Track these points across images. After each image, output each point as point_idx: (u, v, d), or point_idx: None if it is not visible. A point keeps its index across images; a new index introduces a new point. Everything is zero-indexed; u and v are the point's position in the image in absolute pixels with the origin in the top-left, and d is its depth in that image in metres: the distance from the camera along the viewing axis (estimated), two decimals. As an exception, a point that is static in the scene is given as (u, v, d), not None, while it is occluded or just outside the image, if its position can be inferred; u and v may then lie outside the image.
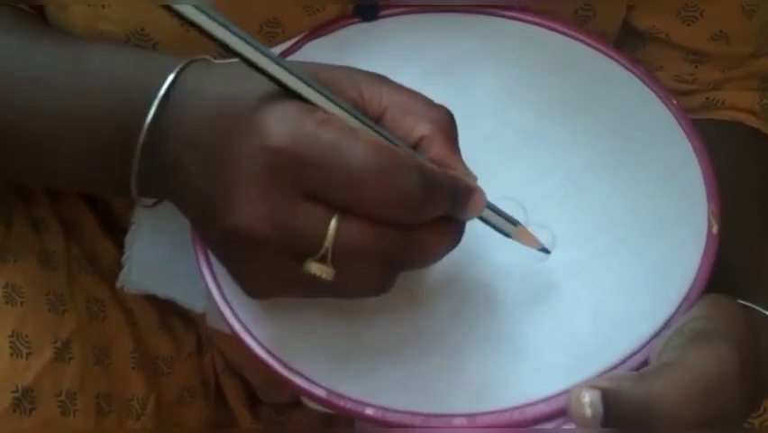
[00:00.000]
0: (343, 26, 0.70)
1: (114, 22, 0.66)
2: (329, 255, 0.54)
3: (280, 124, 0.53)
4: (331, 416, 0.81)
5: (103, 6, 0.66)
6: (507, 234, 0.60)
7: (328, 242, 0.53)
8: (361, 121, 0.55)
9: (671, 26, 0.77)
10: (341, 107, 0.55)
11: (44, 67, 0.64)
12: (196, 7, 0.53)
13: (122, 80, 0.61)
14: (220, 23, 0.53)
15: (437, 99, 0.66)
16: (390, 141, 0.56)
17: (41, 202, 0.76)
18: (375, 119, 0.57)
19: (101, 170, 0.63)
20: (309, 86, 0.55)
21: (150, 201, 0.62)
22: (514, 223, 0.60)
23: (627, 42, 0.79)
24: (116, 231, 0.79)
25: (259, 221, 0.53)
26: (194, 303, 0.72)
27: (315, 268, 0.54)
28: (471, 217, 0.57)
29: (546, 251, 0.62)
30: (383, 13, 0.71)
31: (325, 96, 0.55)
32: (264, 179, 0.53)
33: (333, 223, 0.53)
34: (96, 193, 0.78)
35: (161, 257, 0.71)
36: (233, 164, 0.54)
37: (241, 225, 0.54)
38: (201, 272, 0.63)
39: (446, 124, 0.57)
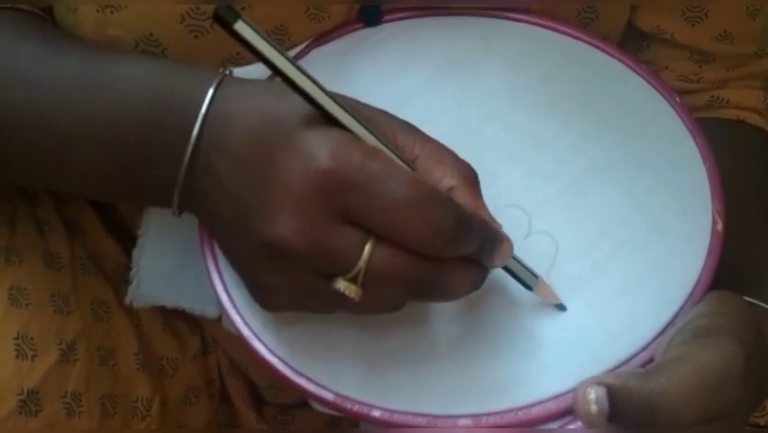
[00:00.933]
0: (348, 32, 0.71)
1: (123, 27, 0.66)
2: (360, 276, 0.55)
3: (329, 148, 0.55)
4: (335, 416, 0.81)
5: (111, 12, 0.66)
6: (528, 287, 0.62)
7: (362, 263, 0.55)
8: (399, 157, 0.57)
9: (675, 26, 0.77)
10: (381, 141, 0.57)
11: (71, 74, 0.63)
12: (248, 24, 0.53)
13: (154, 92, 0.61)
14: (273, 47, 0.54)
15: (441, 102, 0.66)
16: None
17: (45, 203, 0.76)
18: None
19: (119, 178, 0.63)
20: (354, 118, 0.56)
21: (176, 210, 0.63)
22: (535, 276, 0.62)
23: (632, 43, 0.79)
24: (120, 233, 0.79)
25: (297, 235, 0.55)
26: (206, 309, 0.72)
27: (343, 286, 0.56)
28: (497, 265, 0.59)
29: (563, 307, 0.62)
30: (386, 17, 0.71)
31: (368, 130, 0.56)
32: (308, 198, 0.55)
33: (368, 246, 0.55)
34: (107, 201, 0.78)
35: (170, 267, 0.72)
36: (276, 179, 0.55)
37: (279, 237, 0.55)
38: (210, 279, 0.63)
39: (472, 178, 0.59)
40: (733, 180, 0.68)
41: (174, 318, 0.79)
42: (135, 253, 0.72)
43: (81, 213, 0.79)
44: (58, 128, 0.63)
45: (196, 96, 0.59)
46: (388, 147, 0.57)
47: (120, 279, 0.76)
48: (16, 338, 0.66)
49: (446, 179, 0.59)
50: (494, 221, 0.59)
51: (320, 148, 0.55)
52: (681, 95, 0.75)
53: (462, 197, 0.58)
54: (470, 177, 0.59)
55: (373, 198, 0.54)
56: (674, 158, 0.68)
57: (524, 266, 0.61)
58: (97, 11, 0.66)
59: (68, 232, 0.76)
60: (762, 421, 0.70)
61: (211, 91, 0.59)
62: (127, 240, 0.76)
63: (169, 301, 0.73)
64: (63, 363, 0.68)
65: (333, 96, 0.56)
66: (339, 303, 0.57)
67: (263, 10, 0.65)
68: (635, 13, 0.78)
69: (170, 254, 0.71)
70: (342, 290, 0.55)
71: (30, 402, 0.66)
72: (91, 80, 0.63)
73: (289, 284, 0.57)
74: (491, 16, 0.72)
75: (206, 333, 0.82)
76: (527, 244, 0.64)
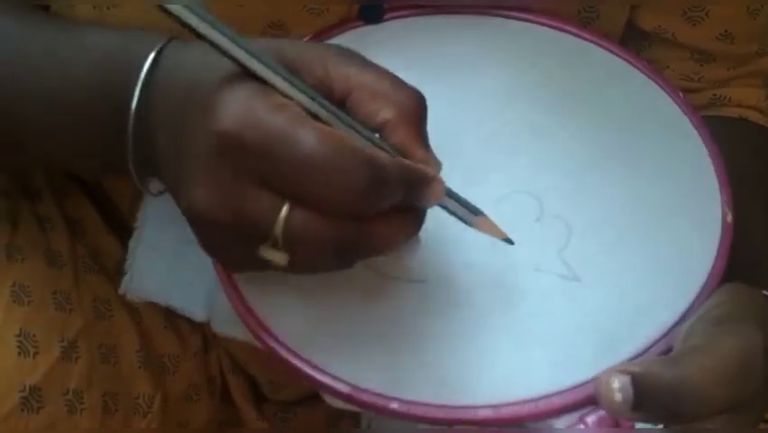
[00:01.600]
0: (348, 29, 0.71)
1: (119, 24, 0.66)
2: (280, 241, 0.53)
3: (231, 108, 0.52)
4: (336, 414, 0.81)
5: (108, 8, 0.66)
6: (468, 224, 0.59)
7: (278, 229, 0.52)
8: (320, 105, 0.54)
9: (676, 26, 0.77)
10: (300, 91, 0.54)
11: (47, 47, 0.63)
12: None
13: (105, 60, 0.60)
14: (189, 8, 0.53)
15: (443, 99, 0.65)
16: (351, 126, 0.55)
17: (47, 201, 0.77)
18: (340, 99, 0.56)
19: (94, 148, 0.62)
20: (269, 67, 0.54)
21: (155, 189, 0.62)
22: (475, 212, 0.59)
23: (633, 43, 0.79)
24: (122, 230, 0.79)
25: (212, 205, 0.53)
26: (194, 311, 0.72)
27: (268, 253, 0.54)
28: (430, 205, 0.57)
29: (510, 241, 0.60)
30: (388, 15, 0.71)
31: (285, 79, 0.54)
32: (214, 163, 0.53)
33: (283, 211, 0.52)
34: (97, 173, 0.78)
35: (163, 263, 0.71)
36: (190, 145, 0.54)
37: (196, 207, 0.53)
38: (217, 273, 0.62)
39: (413, 109, 0.56)
40: (736, 178, 0.68)
41: (175, 316, 0.78)
42: (131, 243, 0.72)
43: (83, 210, 0.79)
44: (36, 104, 0.62)
45: (141, 64, 0.58)
46: (307, 93, 0.54)
47: (121, 276, 0.75)
48: (18, 335, 0.67)
49: (381, 114, 0.55)
50: (428, 158, 0.56)
51: (222, 108, 0.52)
52: (684, 94, 0.75)
53: (397, 133, 0.55)
54: (410, 107, 0.56)
55: (278, 158, 0.51)
56: (681, 152, 0.68)
57: (462, 203, 0.59)
58: (93, 8, 0.66)
59: (70, 230, 0.76)
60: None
61: (150, 57, 0.58)
62: (128, 237, 0.76)
63: (161, 299, 0.72)
64: (65, 361, 0.69)
65: (242, 43, 0.53)
66: (271, 269, 0.55)
67: (261, 5, 0.66)
68: (636, 13, 0.78)
69: (164, 253, 0.71)
70: (267, 257, 0.53)
71: (32, 399, 0.66)
72: (50, 51, 0.62)
73: (227, 251, 0.55)
74: (493, 15, 0.72)
75: (207, 330, 0.81)
76: (540, 226, 0.63)
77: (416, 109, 0.56)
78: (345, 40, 0.70)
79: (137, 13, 0.66)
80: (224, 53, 0.54)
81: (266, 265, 0.55)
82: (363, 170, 0.52)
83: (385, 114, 0.55)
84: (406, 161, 0.55)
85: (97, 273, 0.76)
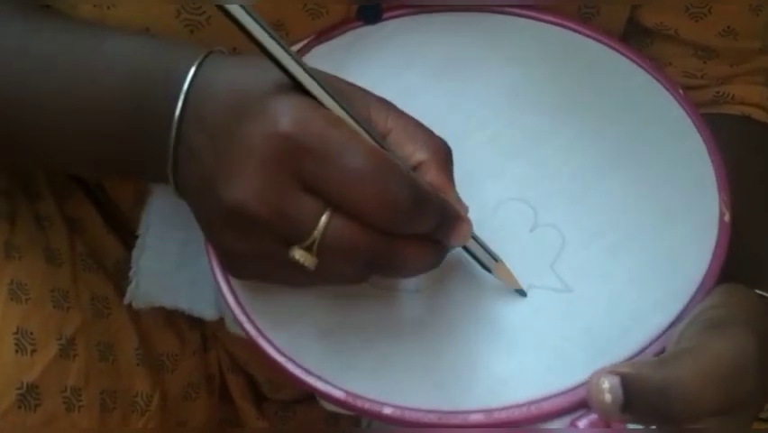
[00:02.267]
0: (348, 29, 0.71)
1: (120, 23, 0.66)
2: (315, 245, 0.55)
3: (292, 113, 0.55)
4: (336, 413, 0.81)
5: (108, 8, 0.66)
6: (487, 269, 0.62)
7: (317, 232, 0.55)
8: (368, 132, 0.57)
9: (679, 23, 0.77)
10: (351, 117, 0.57)
11: (60, 49, 0.64)
12: None
13: (140, 67, 0.61)
14: (249, 13, 0.55)
15: (444, 99, 0.66)
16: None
17: (46, 199, 0.76)
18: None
19: (111, 152, 0.63)
20: (326, 91, 0.56)
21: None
22: (495, 258, 0.61)
23: (635, 39, 0.79)
24: (122, 229, 0.79)
25: (255, 199, 0.55)
26: (204, 310, 0.72)
27: (299, 255, 0.55)
28: (456, 245, 0.59)
29: (523, 293, 0.62)
30: (386, 15, 0.71)
31: (336, 101, 0.56)
32: (267, 162, 0.55)
33: (325, 216, 0.55)
34: (101, 175, 0.78)
35: (169, 268, 0.72)
36: (240, 144, 0.55)
37: (237, 200, 0.55)
38: (215, 278, 0.63)
39: (444, 155, 0.59)
40: (739, 175, 0.68)
41: (174, 314, 0.78)
42: (134, 253, 0.72)
43: (82, 209, 0.79)
44: (53, 103, 0.63)
45: (180, 74, 0.59)
46: (355, 119, 0.56)
47: (120, 275, 0.76)
48: (16, 333, 0.67)
49: (417, 155, 0.58)
50: (458, 201, 0.59)
51: (283, 113, 0.55)
52: (687, 91, 0.75)
53: (430, 172, 0.58)
54: (441, 153, 0.59)
55: (330, 165, 0.54)
56: (680, 151, 0.67)
57: (484, 248, 0.61)
58: (95, 6, 0.66)
59: (69, 228, 0.76)
60: (764, 415, 0.70)
61: (192, 70, 0.59)
62: (128, 236, 0.76)
63: (168, 302, 0.73)
64: (63, 358, 0.69)
65: (306, 67, 0.56)
66: (294, 272, 0.56)
67: (261, 6, 0.65)
68: (639, 10, 0.77)
69: (169, 255, 0.71)
70: (297, 258, 0.55)
71: (29, 397, 0.66)
72: (82, 54, 0.63)
73: (253, 251, 0.57)
74: (492, 12, 0.72)
75: (207, 329, 0.82)
76: (533, 237, 0.63)
77: (446, 155, 0.59)
78: (346, 40, 0.70)
79: (137, 13, 0.66)
80: (279, 65, 0.56)
81: (285, 270, 0.57)
82: (407, 190, 0.55)
83: (420, 155, 0.58)
84: (444, 196, 0.58)
85: (96, 272, 0.76)
